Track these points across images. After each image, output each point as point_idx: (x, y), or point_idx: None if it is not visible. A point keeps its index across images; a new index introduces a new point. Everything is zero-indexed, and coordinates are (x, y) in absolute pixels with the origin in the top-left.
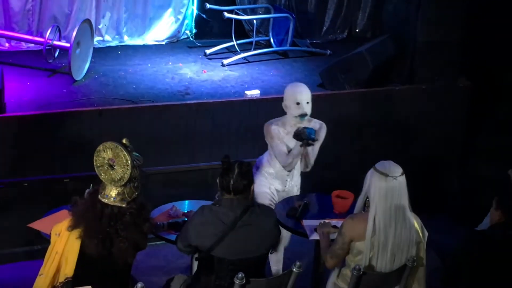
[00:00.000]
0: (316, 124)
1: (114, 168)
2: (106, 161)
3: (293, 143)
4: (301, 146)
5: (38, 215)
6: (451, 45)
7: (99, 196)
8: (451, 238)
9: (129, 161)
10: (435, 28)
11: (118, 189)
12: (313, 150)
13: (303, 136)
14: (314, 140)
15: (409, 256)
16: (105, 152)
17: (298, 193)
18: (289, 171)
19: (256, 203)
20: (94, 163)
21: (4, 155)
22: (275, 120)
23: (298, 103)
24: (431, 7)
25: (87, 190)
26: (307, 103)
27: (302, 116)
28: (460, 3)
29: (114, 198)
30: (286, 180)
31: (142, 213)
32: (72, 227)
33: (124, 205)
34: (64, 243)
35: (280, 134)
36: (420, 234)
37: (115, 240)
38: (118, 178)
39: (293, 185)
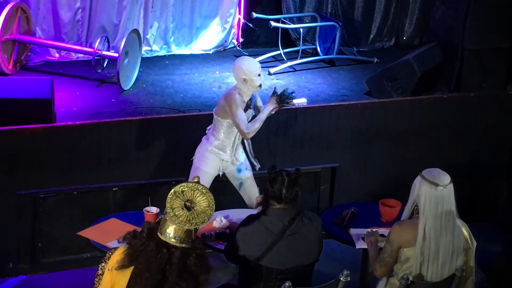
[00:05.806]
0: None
1: (191, 210)
2: (183, 203)
3: (248, 112)
4: (279, 107)
5: (87, 224)
6: (499, 52)
7: (160, 236)
8: (499, 247)
9: (212, 204)
10: (483, 35)
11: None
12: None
13: (283, 97)
14: (293, 99)
15: (458, 265)
16: (183, 194)
17: (245, 162)
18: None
19: (303, 211)
20: (168, 205)
21: (54, 164)
22: (234, 90)
23: (259, 74)
24: (479, 14)
25: (142, 226)
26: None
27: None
28: (508, 10)
29: (183, 240)
30: (235, 149)
31: (205, 255)
32: (121, 267)
33: (189, 246)
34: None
35: (241, 103)
36: (469, 241)
37: None
38: (198, 220)
39: (240, 153)
